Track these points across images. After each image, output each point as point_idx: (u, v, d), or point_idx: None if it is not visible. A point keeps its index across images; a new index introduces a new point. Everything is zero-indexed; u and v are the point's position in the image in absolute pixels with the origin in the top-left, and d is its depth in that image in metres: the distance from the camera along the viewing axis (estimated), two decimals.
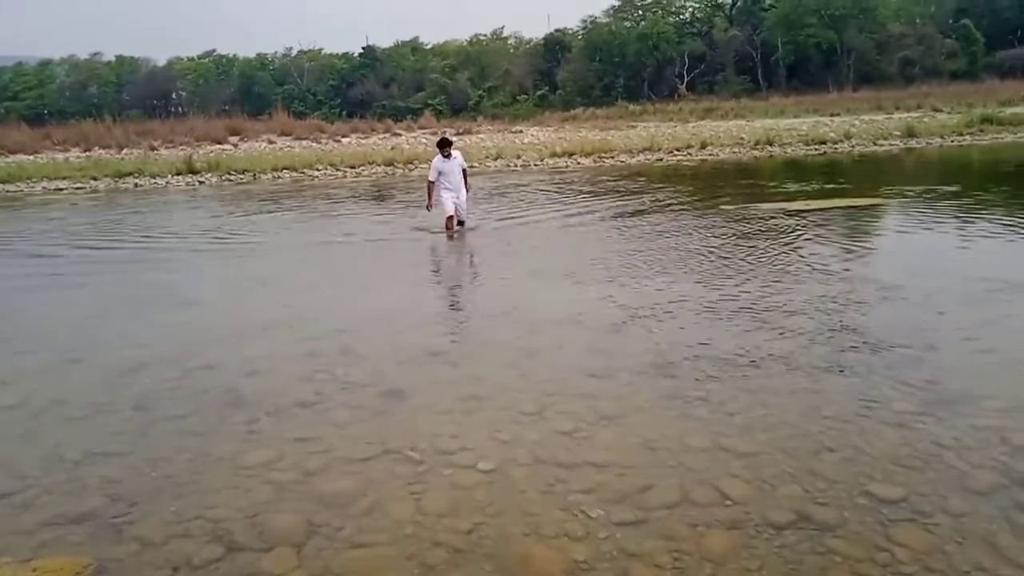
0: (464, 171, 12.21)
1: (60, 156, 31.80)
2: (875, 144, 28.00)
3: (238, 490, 3.99)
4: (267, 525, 3.64)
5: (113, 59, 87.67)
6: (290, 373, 5.79)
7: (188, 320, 7.67)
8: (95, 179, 25.37)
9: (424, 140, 36.05)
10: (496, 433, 4.53)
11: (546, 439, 4.42)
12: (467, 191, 12.32)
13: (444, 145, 12.12)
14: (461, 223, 12.10)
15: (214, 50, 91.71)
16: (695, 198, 15.84)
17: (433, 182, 11.96)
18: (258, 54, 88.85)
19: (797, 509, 3.54)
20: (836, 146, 27.81)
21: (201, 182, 24.88)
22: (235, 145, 34.61)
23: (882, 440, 4.19)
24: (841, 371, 5.27)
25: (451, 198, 11.88)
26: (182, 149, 32.32)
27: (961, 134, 29.11)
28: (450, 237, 11.76)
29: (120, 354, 6.45)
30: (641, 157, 27.08)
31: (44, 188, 24.09)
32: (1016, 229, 10.63)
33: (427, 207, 12.25)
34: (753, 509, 3.57)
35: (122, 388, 5.59)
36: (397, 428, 4.68)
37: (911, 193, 15.04)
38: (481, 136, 37.59)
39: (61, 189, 23.95)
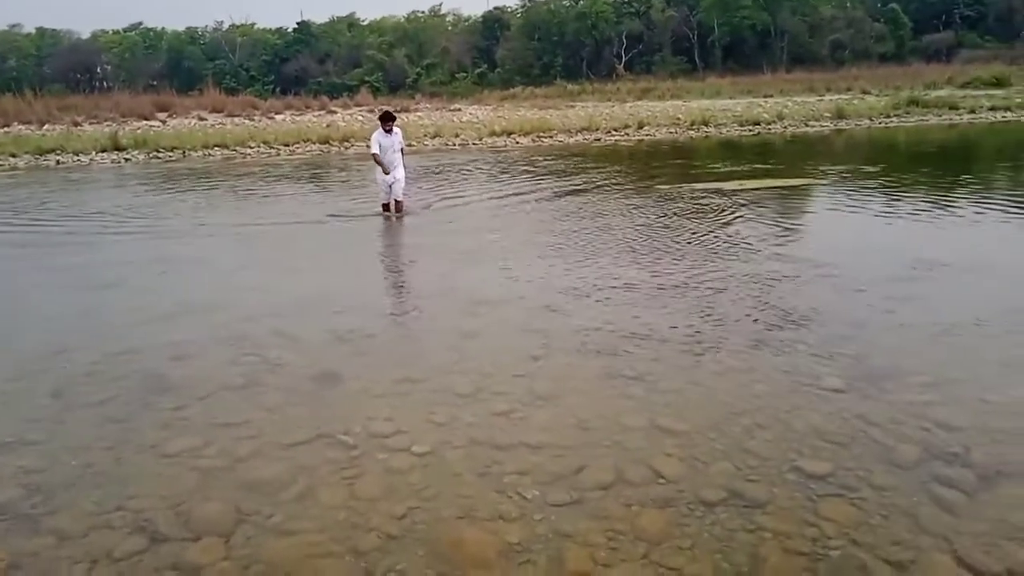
0: (402, 150, 11.96)
1: None
2: (806, 125, 28.58)
3: (162, 478, 3.86)
4: (193, 514, 3.52)
5: (33, 31, 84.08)
6: (219, 357, 5.63)
7: (108, 303, 7.39)
8: (14, 156, 24.25)
9: (360, 118, 35.51)
10: (431, 415, 4.47)
11: (481, 420, 4.39)
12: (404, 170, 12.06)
13: (386, 119, 11.77)
14: (399, 204, 11.85)
15: (141, 23, 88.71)
16: (632, 178, 15.94)
17: (377, 153, 11.55)
18: (188, 28, 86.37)
19: (728, 486, 3.58)
20: (769, 127, 28.31)
21: (127, 159, 24.05)
22: (163, 122, 33.52)
23: (811, 417, 4.27)
24: (771, 349, 5.36)
25: (385, 181, 11.72)
26: (107, 125, 31.17)
27: (888, 116, 29.94)
28: (387, 219, 11.68)
29: (37, 338, 6.18)
30: (579, 137, 27.14)
31: None
32: (938, 208, 10.97)
33: (383, 171, 11.65)
34: (686, 487, 3.60)
35: (39, 374, 5.36)
36: (330, 412, 4.59)
37: (840, 174, 15.41)
38: (419, 114, 37.18)
39: None
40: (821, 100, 36.43)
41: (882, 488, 3.52)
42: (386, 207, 11.89)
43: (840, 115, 29.64)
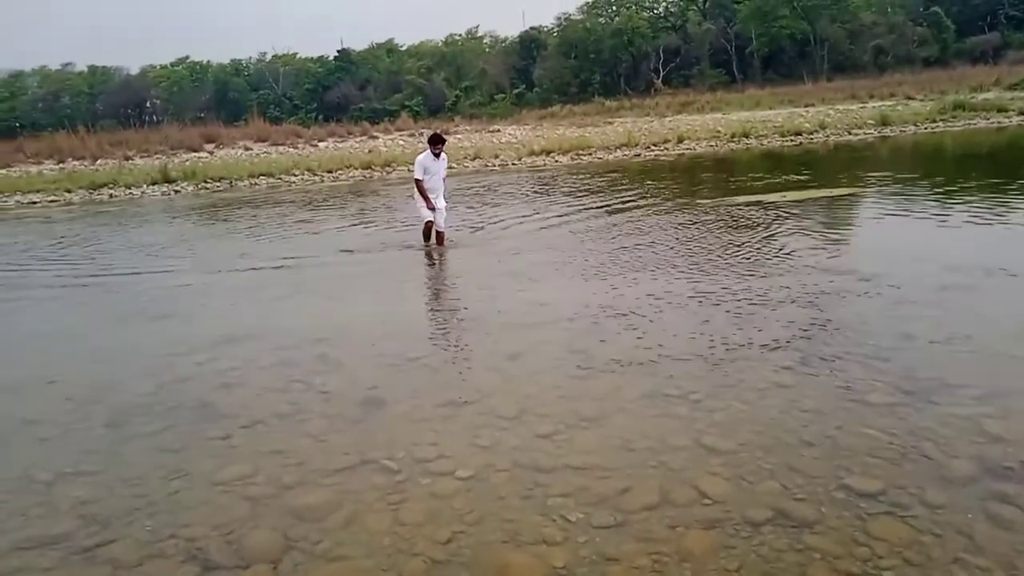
0: (444, 179, 11.12)
1: (33, 169, 31.42)
2: (850, 134, 28.18)
3: (213, 507, 3.94)
4: (243, 542, 3.59)
5: (85, 69, 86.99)
6: (265, 384, 5.73)
7: (160, 333, 7.58)
8: (69, 191, 25.07)
9: (401, 142, 35.97)
10: (475, 439, 4.49)
11: (526, 443, 4.39)
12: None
13: (436, 142, 10.76)
14: (440, 236, 10.99)
15: (187, 57, 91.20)
16: (673, 194, 15.87)
17: (421, 180, 10.58)
18: (232, 60, 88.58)
19: (775, 506, 3.53)
20: (811, 136, 27.97)
21: (177, 191, 24.66)
22: (211, 152, 34.35)
23: (859, 433, 4.19)
24: (817, 365, 5.27)
25: (427, 214, 10.80)
26: (157, 158, 32.06)
27: (934, 121, 29.38)
28: (428, 250, 10.89)
29: (91, 369, 6.36)
30: (619, 153, 27.12)
31: (17, 202, 23.77)
32: (989, 215, 10.70)
33: (428, 208, 10.72)
34: (732, 507, 3.55)
35: (93, 404, 5.51)
36: (374, 437, 4.64)
37: (886, 182, 15.14)
38: (459, 136, 37.49)
39: (35, 202, 23.64)
40: (864, 107, 35.92)
41: (935, 506, 3.44)
42: (429, 229, 10.94)
43: (884, 122, 29.18)
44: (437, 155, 10.71)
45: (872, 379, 4.93)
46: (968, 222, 10.39)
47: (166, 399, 5.51)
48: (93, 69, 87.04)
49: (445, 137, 11.20)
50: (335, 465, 4.28)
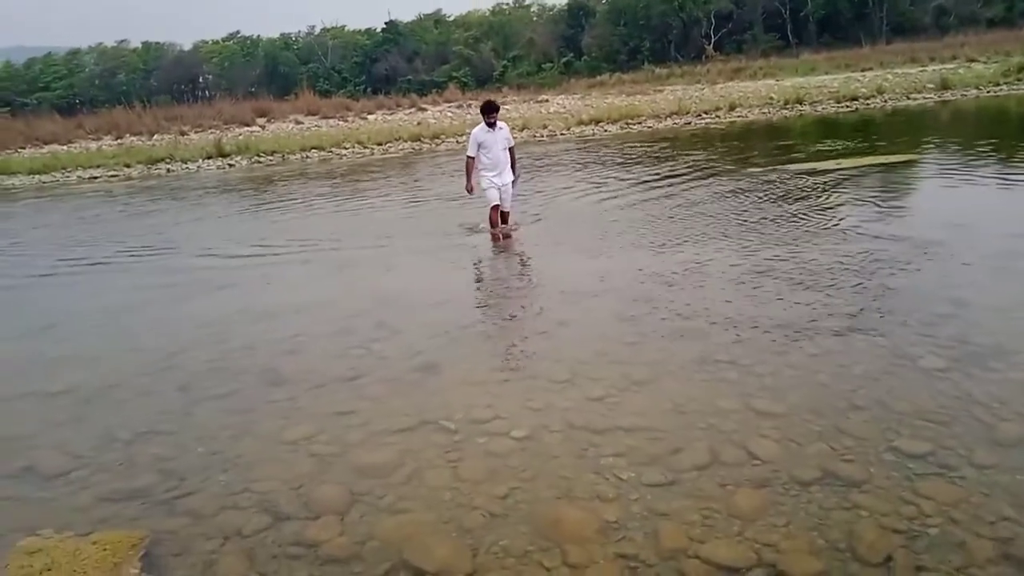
0: (511, 150, 9.94)
1: (93, 145, 32.41)
2: (908, 98, 27.45)
3: (281, 463, 4.16)
4: (311, 495, 3.80)
5: (140, 45, 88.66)
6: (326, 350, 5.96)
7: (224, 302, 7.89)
8: (127, 166, 25.85)
9: (450, 114, 36.09)
10: (528, 402, 4.64)
11: (578, 406, 4.53)
12: (516, 176, 10.11)
13: (489, 111, 9.66)
14: (505, 216, 10.04)
15: (238, 32, 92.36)
16: (725, 162, 15.73)
17: (473, 158, 9.73)
18: (282, 34, 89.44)
19: (824, 466, 3.61)
20: (868, 102, 27.31)
21: (231, 165, 25.22)
22: (263, 127, 34.95)
23: (909, 397, 4.23)
24: (869, 330, 5.29)
25: (494, 183, 9.76)
26: (211, 133, 32.74)
27: (998, 84, 28.39)
28: (495, 237, 9.85)
29: (159, 338, 6.68)
30: (669, 122, 26.87)
31: (79, 177, 24.57)
32: None
33: (467, 188, 10.00)
34: (781, 468, 3.64)
35: (165, 371, 5.80)
36: (432, 400, 4.82)
37: (944, 147, 14.80)
38: (507, 107, 37.39)
39: (96, 177, 24.44)
40: (924, 71, 34.84)
41: (983, 467, 3.48)
42: (495, 215, 9.92)
43: (944, 86, 28.30)
44: (491, 125, 9.62)
45: (924, 345, 4.94)
46: None
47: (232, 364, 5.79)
48: (147, 46, 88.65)
49: (498, 105, 10.05)
50: (396, 426, 4.48)
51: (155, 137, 33.36)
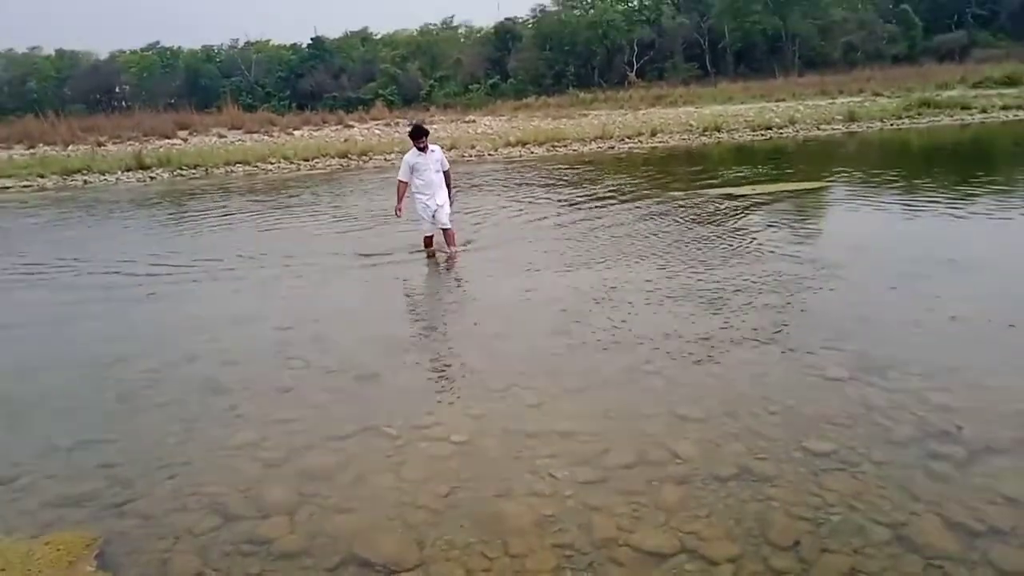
0: (446, 173, 9.95)
1: (3, 154, 31.14)
2: (818, 129, 28.84)
3: (228, 468, 4.28)
4: (259, 497, 3.94)
5: (53, 53, 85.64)
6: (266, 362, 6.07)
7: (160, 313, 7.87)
8: (42, 176, 24.98)
9: (377, 132, 36.11)
10: (467, 409, 4.88)
11: (514, 412, 4.79)
12: (451, 199, 10.12)
13: (418, 136, 9.71)
14: (448, 233, 9.91)
15: (158, 42, 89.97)
16: (647, 186, 16.31)
17: (404, 182, 9.74)
18: (204, 46, 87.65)
19: (740, 464, 3.96)
20: (781, 131, 28.59)
21: (152, 178, 24.68)
22: (184, 140, 34.23)
23: (817, 403, 4.64)
24: (781, 344, 5.72)
25: (428, 206, 9.75)
26: (130, 145, 31.89)
27: (900, 118, 30.08)
28: (429, 255, 10.00)
29: (96, 349, 6.66)
30: (593, 145, 27.55)
31: None
32: (946, 209, 11.26)
33: (396, 211, 9.87)
34: (701, 466, 3.98)
35: (101, 381, 5.82)
36: (373, 408, 5.00)
37: (851, 176, 15.73)
38: (435, 126, 37.67)
39: (8, 188, 23.57)
40: (833, 103, 36.63)
41: (880, 463, 3.89)
42: (428, 241, 10.06)
43: (852, 118, 29.86)
44: (423, 149, 9.65)
45: (830, 357, 5.39)
46: (925, 216, 10.95)
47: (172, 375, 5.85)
48: (61, 53, 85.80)
49: (427, 128, 10.24)
50: (339, 432, 4.64)
51: (70, 148, 32.25)
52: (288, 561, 3.40)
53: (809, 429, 4.31)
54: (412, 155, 9.71)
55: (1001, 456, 3.91)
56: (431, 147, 9.82)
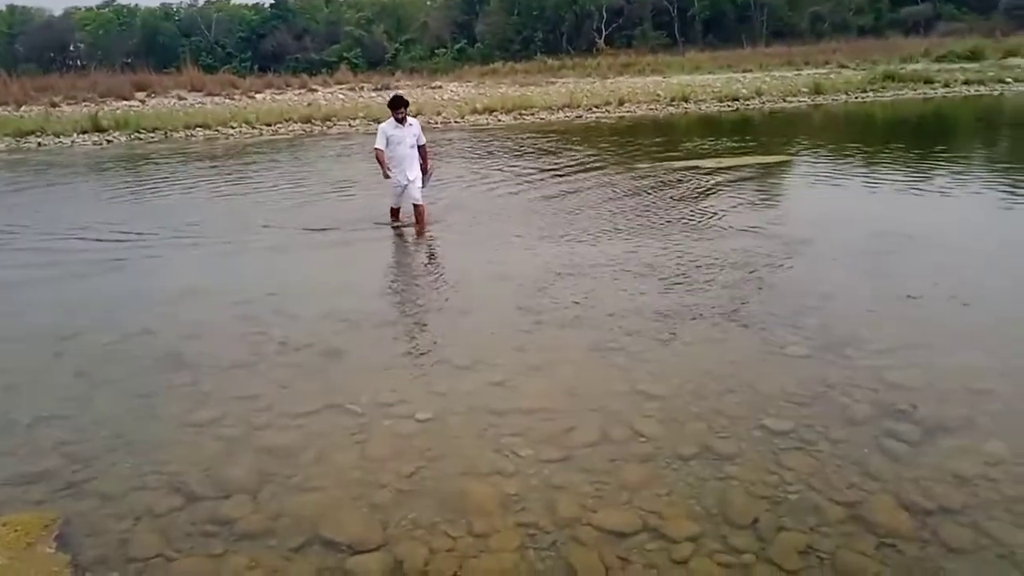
0: (422, 148, 9.75)
1: None
2: (784, 101, 29.00)
3: (188, 446, 4.24)
4: (221, 476, 3.91)
5: (4, 8, 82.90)
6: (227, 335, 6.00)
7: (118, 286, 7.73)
8: None
9: (341, 96, 35.55)
10: (432, 386, 4.87)
11: (479, 389, 4.80)
12: (426, 175, 9.89)
13: (397, 106, 9.46)
14: (419, 209, 9.71)
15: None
16: (615, 157, 16.31)
17: (381, 149, 9.37)
18: (162, 3, 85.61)
19: (702, 442, 4.01)
20: (748, 103, 28.68)
21: (109, 141, 24.06)
22: (142, 101, 33.38)
23: (777, 381, 4.71)
24: (742, 321, 5.79)
25: (397, 180, 9.54)
26: (86, 106, 31.04)
27: (864, 91, 30.36)
28: (396, 229, 9.86)
29: (51, 320, 6.53)
30: (561, 114, 27.43)
31: None
32: (907, 184, 11.43)
33: (384, 175, 9.46)
34: (664, 444, 4.02)
35: (60, 355, 5.71)
36: (336, 384, 4.97)
37: (816, 150, 15.87)
38: (400, 92, 37.18)
39: None
40: (799, 74, 36.80)
41: (837, 441, 3.97)
42: (395, 213, 9.96)
43: (817, 90, 30.05)
44: (401, 120, 9.41)
45: (791, 334, 5.46)
46: (889, 190, 11.11)
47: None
48: (12, 8, 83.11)
49: (407, 100, 9.85)
50: (301, 409, 4.62)
51: (23, 108, 31.32)
52: (251, 542, 3.39)
53: (769, 407, 4.38)
54: (389, 125, 9.47)
55: (952, 436, 4.01)
56: (409, 120, 9.58)
